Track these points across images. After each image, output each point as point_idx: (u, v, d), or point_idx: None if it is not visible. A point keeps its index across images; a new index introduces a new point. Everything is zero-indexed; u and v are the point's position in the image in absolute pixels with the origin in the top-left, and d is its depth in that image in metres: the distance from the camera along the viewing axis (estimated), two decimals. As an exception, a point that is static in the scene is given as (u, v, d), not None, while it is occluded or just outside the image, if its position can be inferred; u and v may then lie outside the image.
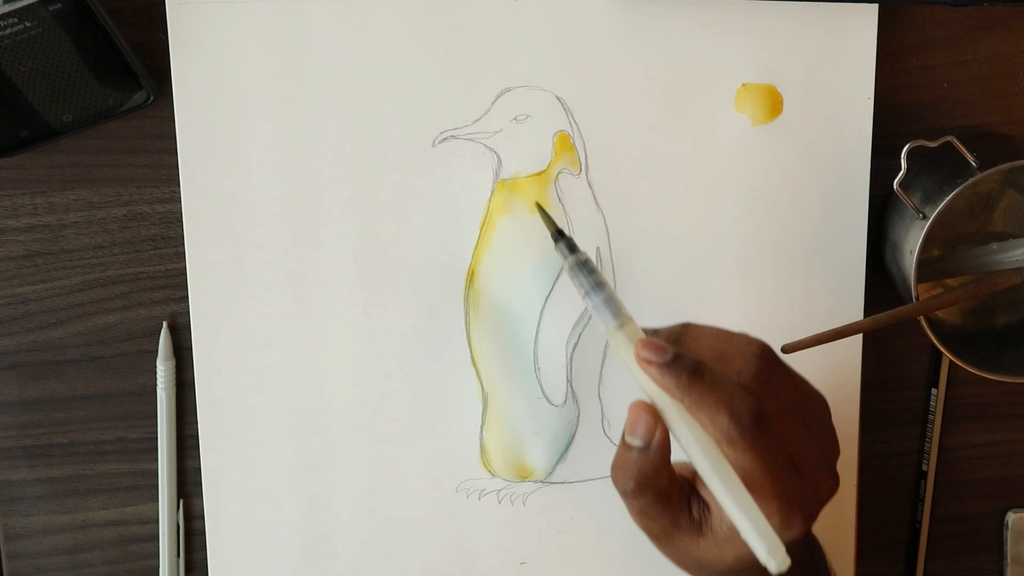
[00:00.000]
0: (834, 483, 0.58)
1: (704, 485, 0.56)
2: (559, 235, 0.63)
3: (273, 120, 0.68)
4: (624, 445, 0.56)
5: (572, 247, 0.62)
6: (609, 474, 0.70)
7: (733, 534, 0.54)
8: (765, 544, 0.52)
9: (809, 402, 0.58)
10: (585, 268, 0.60)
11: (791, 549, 0.53)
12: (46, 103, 0.65)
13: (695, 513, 0.57)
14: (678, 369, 0.54)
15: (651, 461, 0.55)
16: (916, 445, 0.74)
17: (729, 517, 0.53)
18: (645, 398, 0.56)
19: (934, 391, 0.73)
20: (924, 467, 0.74)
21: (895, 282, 0.69)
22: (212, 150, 0.68)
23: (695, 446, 0.54)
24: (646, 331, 0.58)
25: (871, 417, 0.73)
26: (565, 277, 0.69)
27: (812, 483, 0.56)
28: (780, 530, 0.53)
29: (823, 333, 0.61)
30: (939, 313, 0.71)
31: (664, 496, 0.56)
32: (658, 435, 0.55)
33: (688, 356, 0.55)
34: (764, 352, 0.57)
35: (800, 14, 0.68)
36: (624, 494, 0.56)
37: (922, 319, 0.66)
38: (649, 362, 0.55)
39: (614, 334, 0.58)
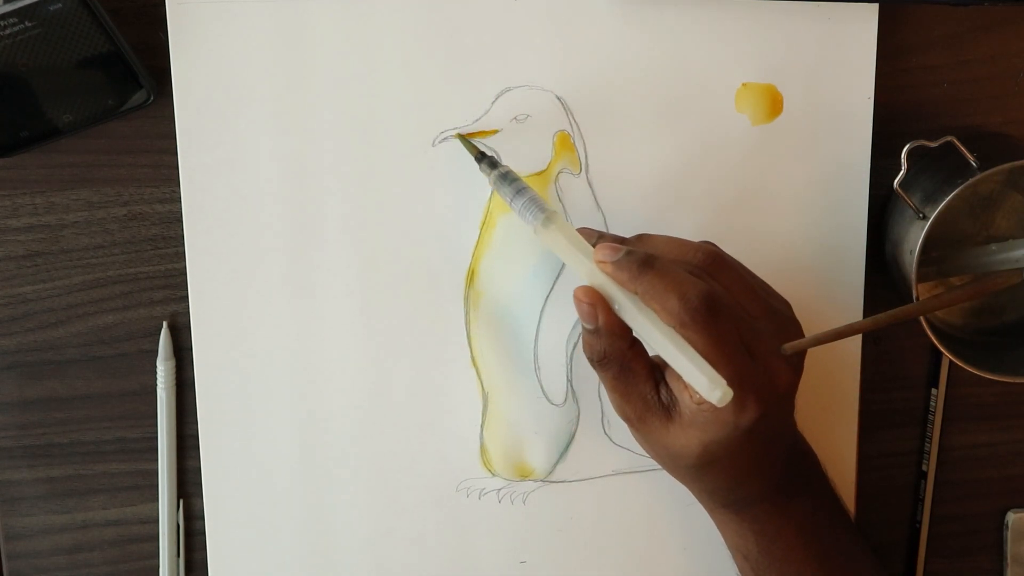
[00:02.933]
0: (794, 374, 0.61)
1: (672, 373, 0.59)
2: (481, 156, 0.66)
3: (273, 120, 0.68)
4: (584, 330, 0.61)
5: (494, 163, 0.65)
6: (608, 473, 0.70)
7: (696, 416, 0.58)
8: (706, 380, 0.56)
9: (766, 296, 0.61)
10: (507, 178, 0.64)
11: (750, 430, 0.58)
12: (46, 103, 0.65)
13: (663, 398, 0.60)
14: (629, 262, 0.58)
15: (605, 337, 0.60)
16: (916, 445, 0.74)
17: (677, 371, 0.57)
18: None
19: (934, 391, 0.73)
20: (924, 467, 0.74)
21: (895, 282, 0.69)
22: (212, 150, 0.68)
23: (638, 317, 0.58)
24: (595, 231, 0.64)
25: (871, 417, 0.73)
26: (565, 276, 0.69)
27: (766, 369, 0.59)
28: (734, 412, 0.57)
29: (823, 333, 0.61)
30: (939, 313, 0.71)
31: (631, 372, 0.61)
32: (602, 317, 0.59)
33: (638, 251, 0.59)
34: (714, 251, 0.61)
35: (800, 14, 0.68)
36: (593, 365, 0.62)
37: (922, 319, 0.66)
38: (603, 261, 0.59)
39: (542, 230, 0.62)
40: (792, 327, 0.62)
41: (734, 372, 0.56)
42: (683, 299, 0.57)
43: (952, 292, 0.68)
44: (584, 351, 0.62)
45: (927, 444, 0.74)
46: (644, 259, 0.58)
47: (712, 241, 0.63)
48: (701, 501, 0.65)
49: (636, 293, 0.58)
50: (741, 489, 0.62)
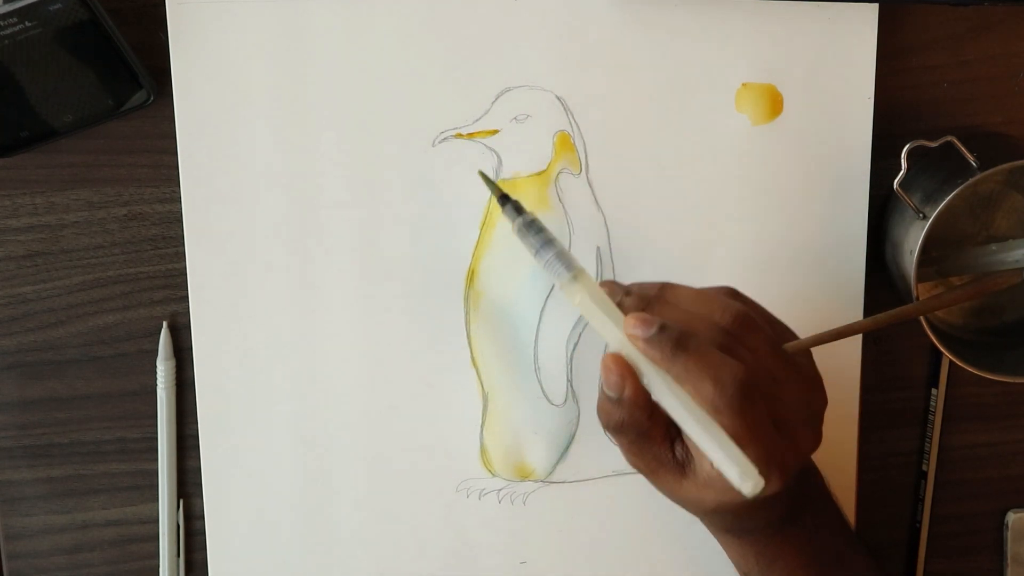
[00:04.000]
0: (815, 439, 0.60)
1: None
2: (504, 199, 0.61)
3: (273, 120, 0.68)
4: (603, 394, 0.58)
5: (519, 209, 0.61)
6: (608, 473, 0.70)
7: (713, 479, 0.57)
8: (738, 470, 0.54)
9: (790, 358, 0.60)
10: (533, 227, 0.60)
11: (771, 498, 0.56)
12: (46, 103, 0.65)
13: (678, 455, 0.58)
14: (662, 341, 0.55)
15: (627, 409, 0.57)
16: (916, 445, 0.74)
17: (706, 456, 0.56)
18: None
19: (934, 391, 0.73)
20: (924, 467, 0.74)
21: (895, 282, 0.69)
22: (212, 150, 0.68)
23: (667, 394, 0.56)
24: (621, 286, 0.60)
25: (871, 417, 0.73)
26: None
27: (793, 441, 0.58)
28: (758, 487, 0.55)
29: (823, 333, 0.61)
30: (939, 313, 0.71)
31: (646, 436, 0.58)
32: (628, 390, 0.56)
33: (672, 327, 0.56)
34: (741, 311, 0.58)
35: (800, 14, 0.68)
36: (607, 430, 0.59)
37: (922, 319, 0.66)
38: (635, 336, 0.56)
39: (569, 287, 0.58)
40: (816, 385, 0.60)
41: (763, 451, 0.55)
42: (718, 384, 0.55)
43: (952, 292, 0.68)
44: (599, 416, 0.59)
45: (927, 444, 0.74)
46: (678, 339, 0.55)
47: (731, 286, 0.61)
48: (703, 523, 0.64)
49: (669, 373, 0.56)
50: (746, 521, 0.62)
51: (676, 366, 0.55)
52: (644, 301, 0.59)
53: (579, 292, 0.58)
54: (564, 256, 0.59)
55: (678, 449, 0.58)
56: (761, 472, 0.55)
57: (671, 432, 0.58)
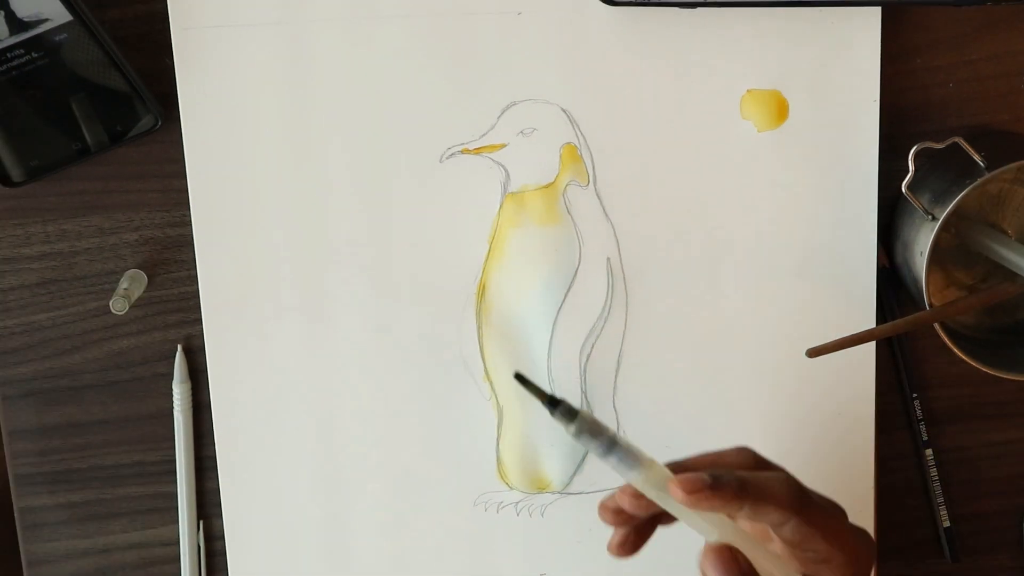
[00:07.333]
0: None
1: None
2: (552, 403, 0.54)
3: (280, 141, 0.68)
4: None
5: (571, 413, 0.54)
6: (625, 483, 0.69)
7: None
8: None
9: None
10: (588, 433, 0.55)
11: None
12: (55, 132, 0.65)
13: None
14: (723, 485, 0.53)
15: None
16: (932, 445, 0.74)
17: None
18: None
19: (945, 391, 0.73)
20: (934, 469, 0.74)
21: (906, 284, 0.69)
22: (221, 172, 0.68)
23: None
24: (674, 466, 0.57)
25: (887, 418, 0.73)
26: (576, 288, 0.69)
27: (858, 541, 0.58)
28: (869, 562, 0.57)
29: (845, 338, 0.62)
30: (952, 313, 0.71)
31: None
32: (744, 567, 0.54)
33: (722, 471, 0.54)
34: (753, 454, 0.59)
35: (803, 19, 0.68)
36: None
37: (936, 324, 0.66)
38: (691, 492, 0.53)
39: (644, 486, 0.55)
40: (837, 508, 0.60)
41: (846, 538, 0.56)
42: (790, 488, 0.55)
43: (969, 298, 0.68)
44: None
45: (941, 444, 0.74)
46: (736, 478, 0.54)
47: (746, 446, 0.60)
48: None
49: (742, 511, 0.54)
50: None
51: (747, 499, 0.53)
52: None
53: (656, 487, 0.54)
54: (630, 454, 0.54)
55: None
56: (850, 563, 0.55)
57: None
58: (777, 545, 0.57)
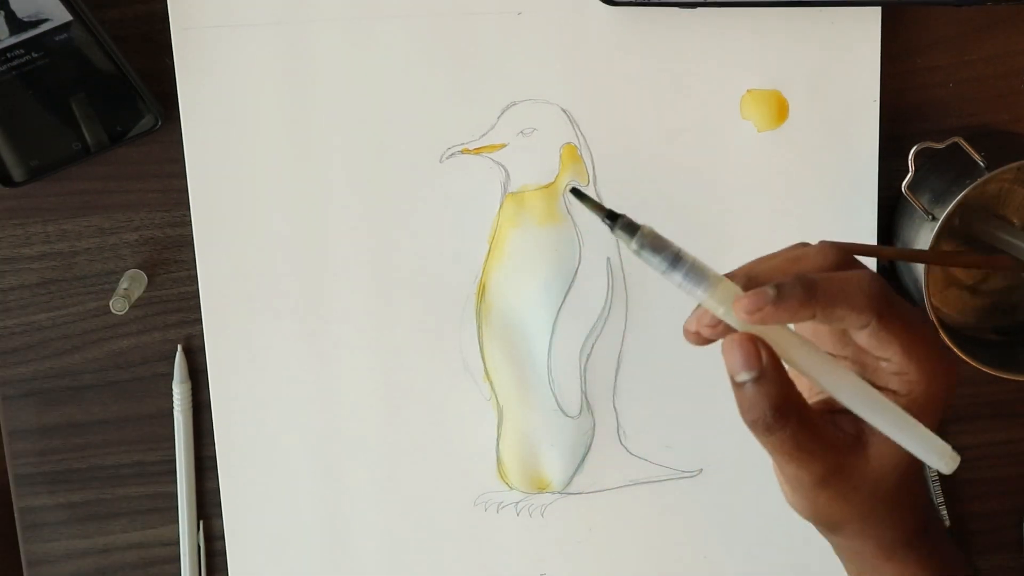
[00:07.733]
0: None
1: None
2: (612, 217, 0.51)
3: (281, 141, 0.68)
4: (738, 388, 0.49)
5: (631, 227, 0.51)
6: (625, 483, 0.70)
7: (889, 454, 0.50)
8: (935, 450, 0.49)
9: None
10: (650, 248, 0.50)
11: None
12: (55, 132, 0.65)
13: (847, 429, 0.51)
14: (787, 294, 0.48)
15: (776, 385, 0.49)
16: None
17: (885, 431, 0.49)
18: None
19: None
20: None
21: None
22: (221, 172, 0.68)
23: (828, 370, 0.49)
24: (745, 275, 0.52)
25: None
26: (576, 288, 0.69)
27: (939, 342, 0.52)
28: (947, 388, 0.51)
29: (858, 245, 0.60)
30: (952, 312, 0.71)
31: (810, 421, 0.50)
32: (766, 357, 0.48)
33: (787, 280, 0.49)
34: (837, 245, 0.53)
35: (803, 19, 0.68)
36: (768, 431, 0.49)
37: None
38: (753, 311, 0.48)
39: (711, 303, 0.49)
40: (927, 321, 0.54)
41: (936, 355, 0.50)
42: (871, 287, 0.49)
43: (967, 255, 0.67)
44: (744, 418, 0.49)
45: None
46: (804, 282, 0.48)
47: (830, 240, 0.54)
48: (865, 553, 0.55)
49: (815, 317, 0.48)
50: (904, 525, 0.55)
51: (819, 302, 0.48)
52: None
53: (722, 304, 0.49)
54: (695, 270, 0.50)
55: (845, 423, 0.51)
56: (934, 367, 0.49)
57: (828, 409, 0.52)
58: (851, 350, 0.52)
